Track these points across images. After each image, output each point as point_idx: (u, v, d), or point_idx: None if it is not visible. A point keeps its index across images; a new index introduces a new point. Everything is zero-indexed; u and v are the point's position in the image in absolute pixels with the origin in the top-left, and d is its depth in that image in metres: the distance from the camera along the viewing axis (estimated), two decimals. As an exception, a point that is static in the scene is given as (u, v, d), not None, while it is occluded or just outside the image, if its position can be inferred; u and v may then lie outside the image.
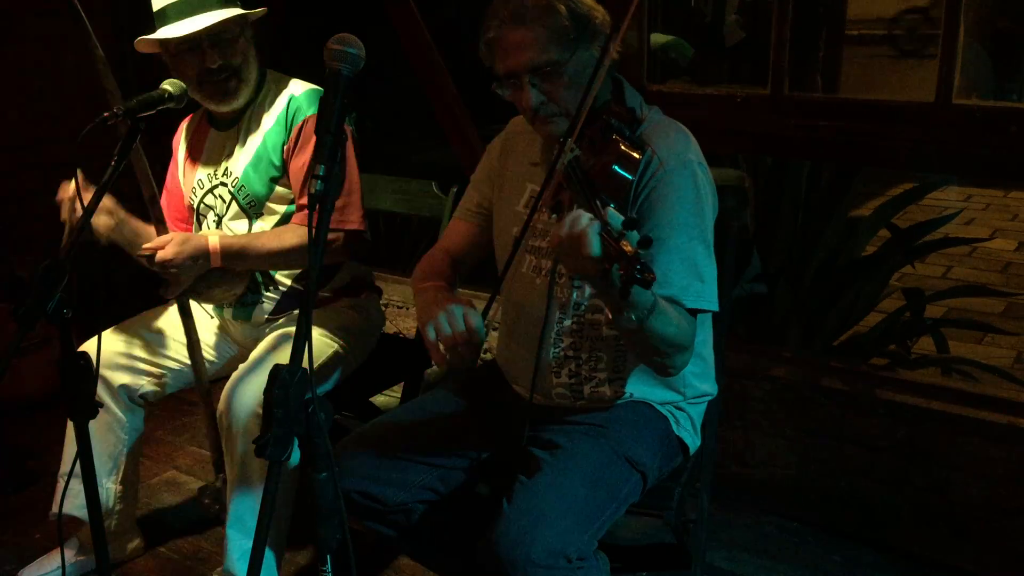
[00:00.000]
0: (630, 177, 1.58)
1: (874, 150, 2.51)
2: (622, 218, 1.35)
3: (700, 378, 1.94)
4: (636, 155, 1.62)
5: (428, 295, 1.82)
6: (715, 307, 1.74)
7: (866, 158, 2.67)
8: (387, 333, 2.62)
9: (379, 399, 2.89)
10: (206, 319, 2.48)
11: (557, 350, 1.86)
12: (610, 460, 1.77)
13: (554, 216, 1.70)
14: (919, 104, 2.38)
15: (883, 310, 3.31)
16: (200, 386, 2.40)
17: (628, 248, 1.31)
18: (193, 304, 2.37)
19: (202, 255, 2.15)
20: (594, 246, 1.33)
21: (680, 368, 1.72)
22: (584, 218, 1.37)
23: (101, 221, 2.15)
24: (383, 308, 2.64)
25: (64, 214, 2.07)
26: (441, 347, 1.66)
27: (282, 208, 2.30)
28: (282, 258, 2.23)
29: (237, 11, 2.18)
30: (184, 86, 2.00)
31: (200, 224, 2.40)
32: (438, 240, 2.12)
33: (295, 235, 2.22)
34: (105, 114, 1.78)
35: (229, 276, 2.25)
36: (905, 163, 2.58)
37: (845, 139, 2.50)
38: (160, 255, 2.11)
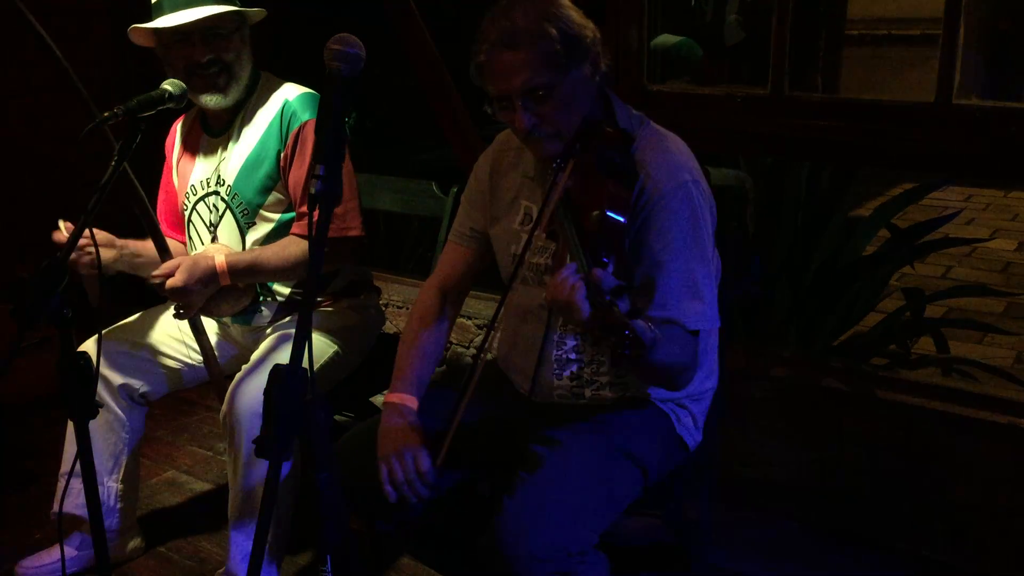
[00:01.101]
0: (624, 220, 1.57)
1: (874, 150, 2.50)
2: (615, 284, 1.35)
3: (701, 376, 1.93)
4: (628, 194, 1.62)
5: (391, 416, 1.84)
6: (716, 324, 1.75)
7: (866, 158, 2.66)
8: (386, 333, 2.62)
9: (379, 399, 2.87)
10: (205, 321, 2.47)
11: (560, 353, 1.86)
12: (611, 456, 1.77)
13: (550, 240, 1.70)
14: (919, 104, 2.38)
15: (883, 310, 3.30)
16: (219, 395, 2.39)
17: (617, 317, 1.30)
18: None
19: (211, 278, 2.15)
20: (583, 312, 1.35)
21: (684, 385, 1.72)
22: (570, 282, 1.38)
23: (105, 255, 2.18)
24: (383, 308, 2.64)
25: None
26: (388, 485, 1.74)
27: (276, 216, 2.29)
28: (288, 272, 2.24)
29: (233, 7, 2.17)
30: (184, 86, 2.00)
31: (191, 230, 2.40)
32: (435, 269, 2.09)
33: (298, 248, 2.21)
34: (105, 114, 1.78)
35: (236, 291, 2.26)
36: (905, 163, 2.58)
37: (845, 139, 2.50)
38: (170, 283, 2.09)
